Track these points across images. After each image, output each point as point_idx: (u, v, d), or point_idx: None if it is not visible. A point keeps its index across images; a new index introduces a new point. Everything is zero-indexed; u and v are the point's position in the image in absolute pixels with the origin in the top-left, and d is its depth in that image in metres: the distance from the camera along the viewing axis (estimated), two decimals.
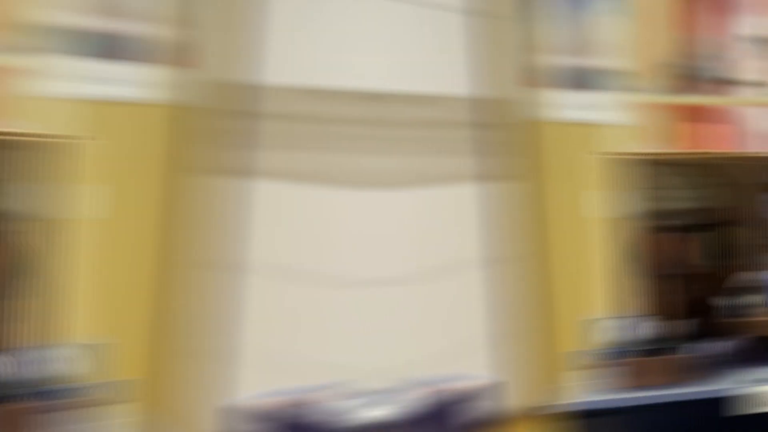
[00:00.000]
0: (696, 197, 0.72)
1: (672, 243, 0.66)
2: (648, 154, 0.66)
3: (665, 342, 0.60)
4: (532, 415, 0.59)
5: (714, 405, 0.57)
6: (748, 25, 1.97)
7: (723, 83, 1.85)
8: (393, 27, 1.43)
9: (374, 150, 1.29)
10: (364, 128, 1.20)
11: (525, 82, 2.33)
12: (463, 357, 1.91)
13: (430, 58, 1.80)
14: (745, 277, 0.71)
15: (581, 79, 2.19)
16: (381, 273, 1.28)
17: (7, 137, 0.62)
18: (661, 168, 0.66)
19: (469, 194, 1.87)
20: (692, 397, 0.57)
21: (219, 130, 0.80)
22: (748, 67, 1.87)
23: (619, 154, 0.64)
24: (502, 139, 2.03)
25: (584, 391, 0.60)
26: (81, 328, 0.60)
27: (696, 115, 2.23)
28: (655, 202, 0.69)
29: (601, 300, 0.67)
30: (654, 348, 0.58)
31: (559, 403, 0.58)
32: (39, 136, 0.61)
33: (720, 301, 0.68)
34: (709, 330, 0.68)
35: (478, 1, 1.87)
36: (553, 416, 0.57)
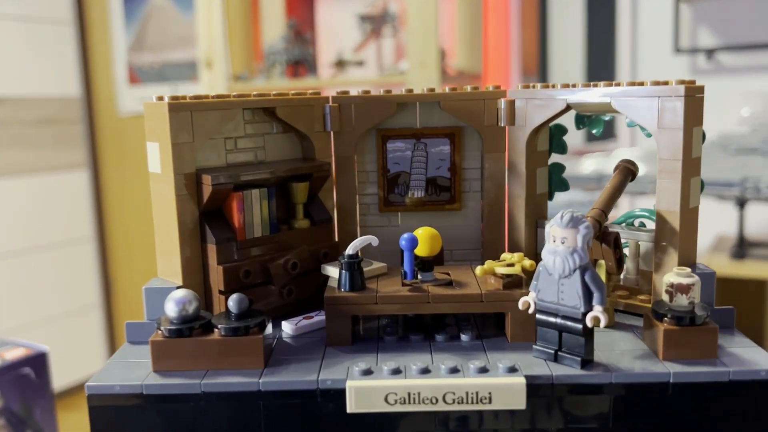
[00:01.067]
0: (268, 148, 0.63)
1: (244, 201, 0.57)
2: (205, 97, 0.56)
3: (225, 320, 0.50)
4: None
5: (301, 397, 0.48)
6: (345, 6, 1.99)
7: (306, 65, 1.87)
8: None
9: None
10: None
11: (111, 79, 2.50)
12: (40, 328, 2.16)
13: (34, 66, 2.08)
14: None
15: (163, 73, 2.38)
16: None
17: None
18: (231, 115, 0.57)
19: (75, 181, 2.20)
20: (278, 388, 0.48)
21: None
22: (349, 47, 1.88)
23: (175, 99, 0.54)
24: (93, 132, 2.52)
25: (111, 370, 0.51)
26: None
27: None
28: (227, 155, 0.60)
29: (168, 270, 0.58)
30: (229, 327, 0.50)
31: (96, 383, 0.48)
32: None
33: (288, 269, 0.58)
34: (291, 305, 0.59)
35: (62, 10, 2.17)
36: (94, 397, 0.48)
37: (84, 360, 2.48)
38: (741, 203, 1.52)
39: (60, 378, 1.55)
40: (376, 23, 1.84)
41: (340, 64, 1.87)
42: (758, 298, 1.65)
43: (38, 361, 0.79)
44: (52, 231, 2.33)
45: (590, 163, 1.71)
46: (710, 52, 1.74)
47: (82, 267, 2.46)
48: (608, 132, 1.94)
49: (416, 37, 1.63)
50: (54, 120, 2.27)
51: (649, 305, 0.56)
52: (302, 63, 1.86)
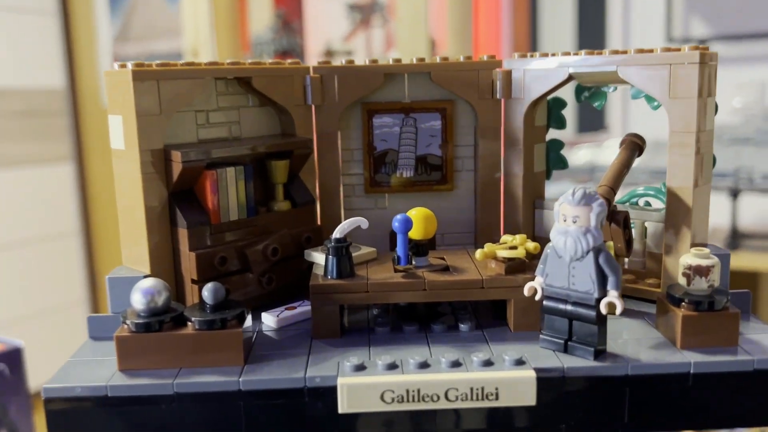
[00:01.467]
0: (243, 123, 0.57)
1: (218, 181, 0.52)
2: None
3: (199, 313, 0.45)
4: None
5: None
6: None
7: (294, 55, 1.81)
8: None
9: None
10: None
11: (96, 70, 2.43)
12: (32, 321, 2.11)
13: (17, 57, 1.99)
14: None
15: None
16: None
17: None
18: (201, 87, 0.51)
19: (60, 174, 2.11)
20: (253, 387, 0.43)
21: None
22: (338, 37, 1.83)
23: (139, 66, 0.48)
24: (78, 125, 2.34)
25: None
26: None
27: None
28: (198, 130, 0.55)
29: (134, 258, 0.53)
30: (203, 320, 0.45)
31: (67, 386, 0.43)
32: None
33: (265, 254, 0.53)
34: (270, 295, 0.54)
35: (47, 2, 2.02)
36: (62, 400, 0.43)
37: (69, 357, 2.42)
38: (734, 194, 1.49)
39: (44, 375, 1.49)
40: (365, 13, 1.79)
41: (329, 53, 1.81)
42: (751, 289, 1.61)
43: (13, 357, 0.74)
44: (37, 225, 2.27)
45: (582, 154, 1.66)
46: (702, 42, 1.70)
47: (68, 262, 2.39)
48: (599, 123, 1.89)
49: (406, 27, 1.59)
50: (38, 112, 2.20)
51: (659, 289, 0.51)
52: (290, 53, 1.81)
